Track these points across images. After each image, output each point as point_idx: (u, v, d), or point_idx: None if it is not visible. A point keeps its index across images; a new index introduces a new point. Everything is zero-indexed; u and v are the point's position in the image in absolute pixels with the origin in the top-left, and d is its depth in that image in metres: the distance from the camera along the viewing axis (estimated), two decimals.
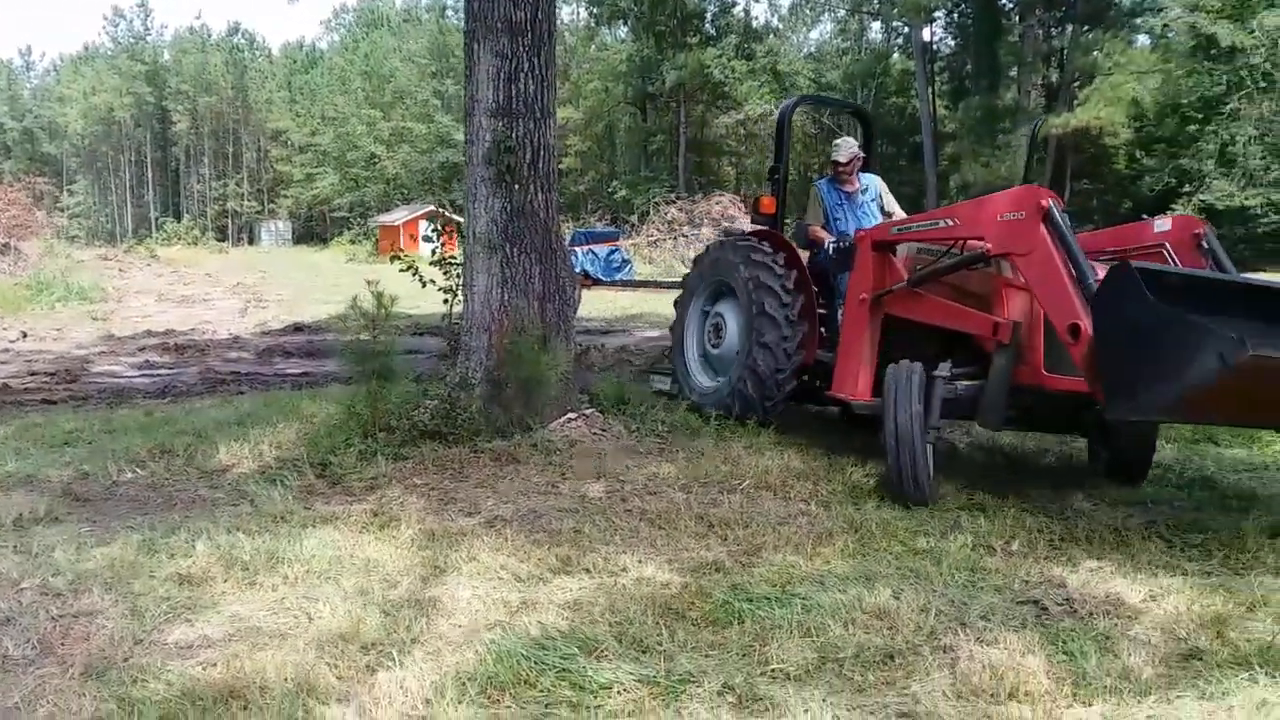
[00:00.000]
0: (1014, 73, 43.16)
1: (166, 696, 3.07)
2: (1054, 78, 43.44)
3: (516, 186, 6.54)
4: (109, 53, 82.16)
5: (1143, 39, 39.08)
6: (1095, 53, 37.65)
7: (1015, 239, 5.12)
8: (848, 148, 7.29)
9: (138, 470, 5.89)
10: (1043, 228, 4.96)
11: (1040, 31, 42.58)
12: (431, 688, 3.12)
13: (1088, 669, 3.25)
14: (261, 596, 3.93)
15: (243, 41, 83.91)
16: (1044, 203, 4.99)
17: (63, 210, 69.08)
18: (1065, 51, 41.27)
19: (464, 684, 3.14)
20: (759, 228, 7.56)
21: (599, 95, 55.12)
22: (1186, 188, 34.89)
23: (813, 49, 58.95)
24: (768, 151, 54.49)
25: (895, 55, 53.87)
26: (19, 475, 5.76)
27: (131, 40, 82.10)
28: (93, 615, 3.76)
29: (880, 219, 7.10)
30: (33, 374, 10.75)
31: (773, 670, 3.26)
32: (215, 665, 3.30)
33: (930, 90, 47.16)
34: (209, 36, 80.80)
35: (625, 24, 54.40)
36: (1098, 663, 3.30)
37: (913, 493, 5.19)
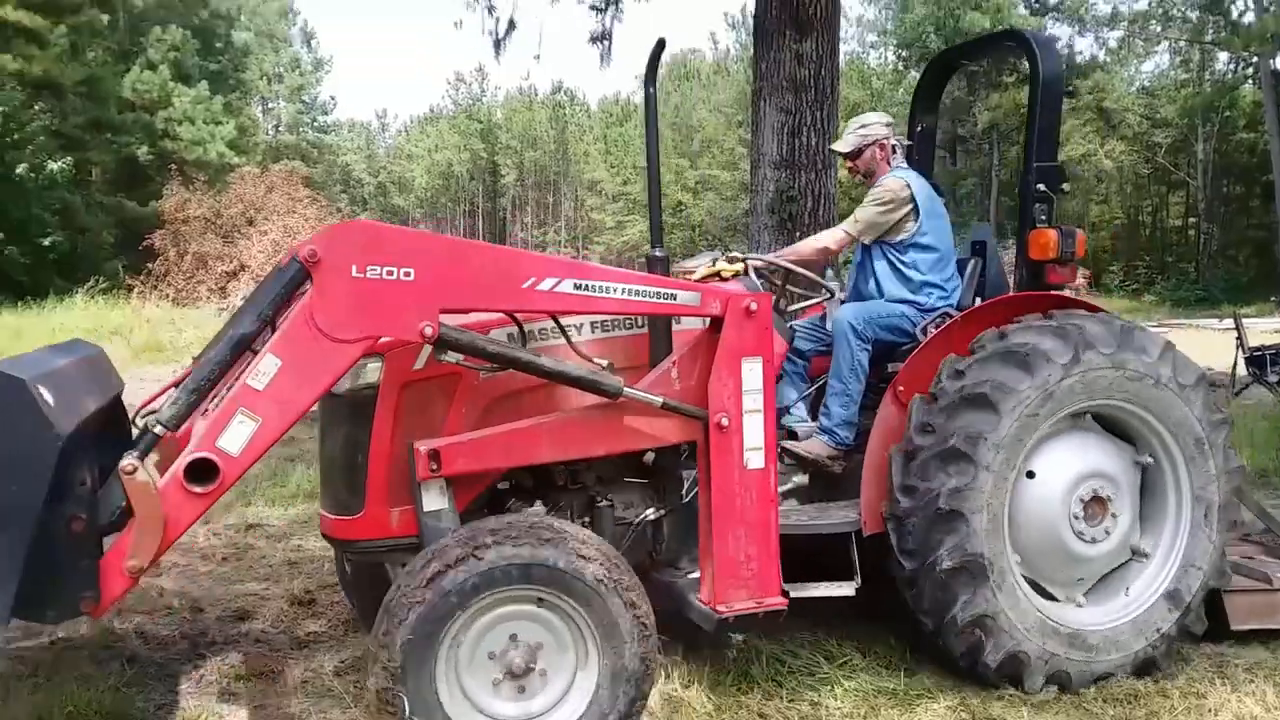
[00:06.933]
0: None
1: None
2: None
3: (798, 234, 6.94)
4: (450, 113, 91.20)
5: None
6: None
7: None
8: (851, 129, 4.71)
9: None
10: None
11: None
12: None
13: None
14: None
15: (564, 99, 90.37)
16: None
17: None
18: None
19: None
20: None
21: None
22: None
23: (1146, 82, 54.74)
24: (1095, 194, 51.26)
25: (1246, 86, 48.84)
26: None
27: (469, 102, 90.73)
28: None
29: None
30: None
31: (1010, 696, 3.41)
32: None
33: None
34: (535, 95, 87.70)
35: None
36: None
37: None
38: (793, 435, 4.24)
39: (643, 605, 3.03)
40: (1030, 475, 3.79)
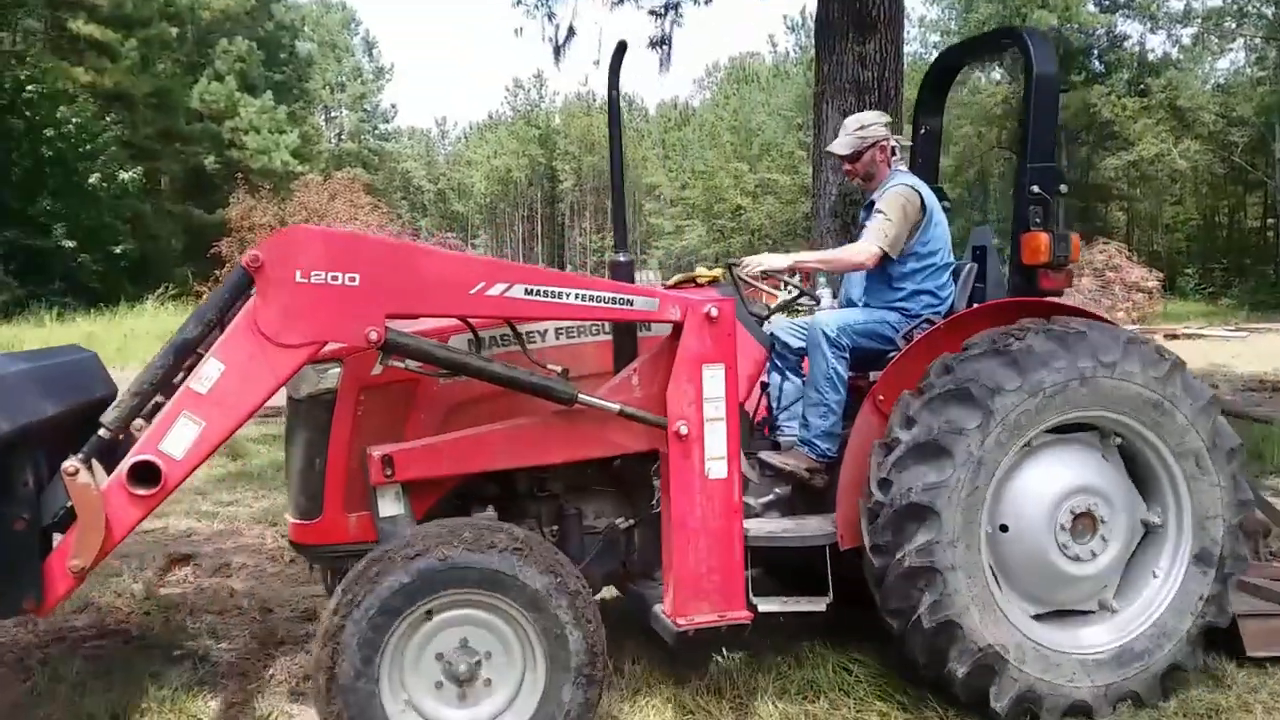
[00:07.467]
0: None
1: None
2: None
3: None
4: (508, 120, 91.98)
5: None
6: None
7: None
8: (848, 130, 4.37)
9: None
10: None
11: None
12: None
13: None
14: None
15: (623, 103, 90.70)
16: None
17: None
18: None
19: None
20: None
21: (970, 141, 53.64)
22: None
23: (1221, 80, 53.19)
24: (1169, 194, 49.82)
25: None
26: None
27: (528, 108, 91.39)
28: None
29: None
30: None
31: None
32: None
33: None
34: (594, 101, 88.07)
35: (999, 66, 52.60)
36: None
37: None
38: (777, 445, 4.10)
39: (534, 547, 2.95)
40: (1004, 529, 3.59)
